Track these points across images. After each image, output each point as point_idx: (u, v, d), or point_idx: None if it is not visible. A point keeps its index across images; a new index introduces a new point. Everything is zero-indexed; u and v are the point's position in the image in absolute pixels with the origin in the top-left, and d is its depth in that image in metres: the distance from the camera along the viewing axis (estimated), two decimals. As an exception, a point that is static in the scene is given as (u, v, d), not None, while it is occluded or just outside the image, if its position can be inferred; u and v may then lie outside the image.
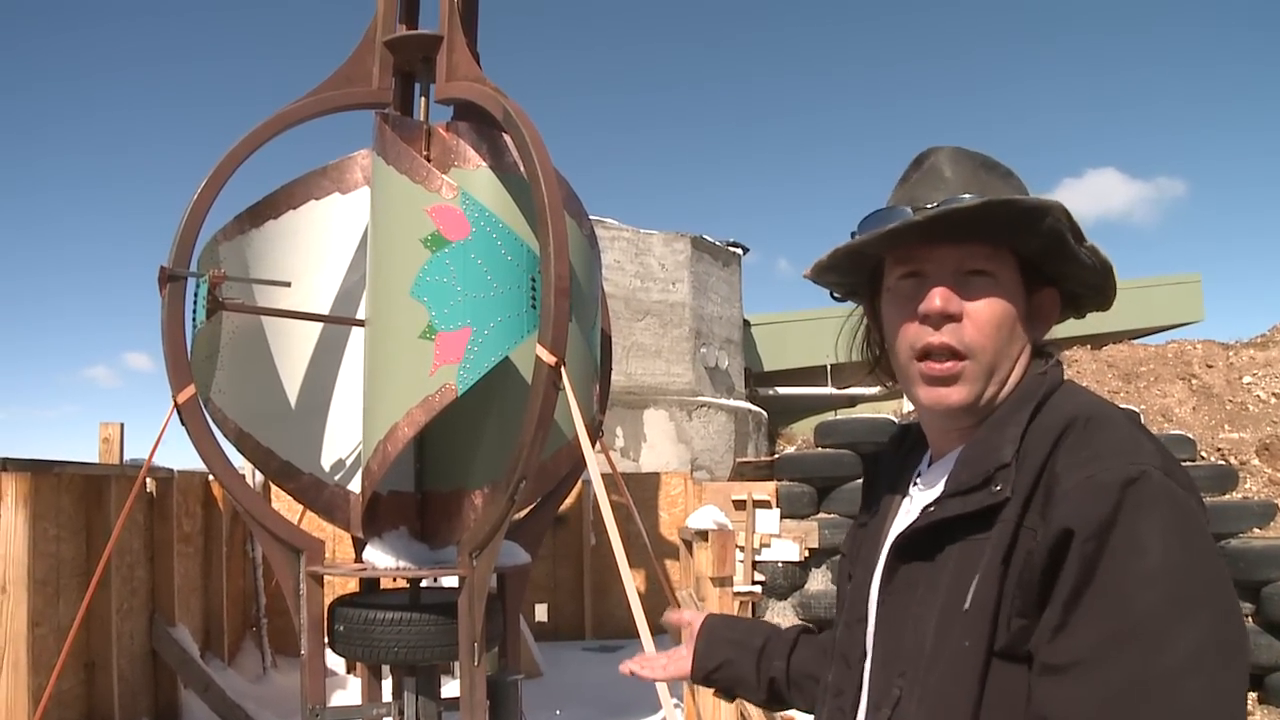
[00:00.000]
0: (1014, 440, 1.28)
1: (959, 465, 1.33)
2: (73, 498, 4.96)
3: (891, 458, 1.60)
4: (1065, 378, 1.39)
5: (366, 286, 4.76)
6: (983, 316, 1.33)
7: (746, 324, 14.13)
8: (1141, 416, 8.55)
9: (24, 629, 4.34)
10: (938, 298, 1.32)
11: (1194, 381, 11.90)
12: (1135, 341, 14.20)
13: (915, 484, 1.50)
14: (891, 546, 1.38)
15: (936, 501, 1.33)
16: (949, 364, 1.34)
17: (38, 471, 4.49)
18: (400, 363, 4.39)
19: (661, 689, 3.49)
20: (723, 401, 12.37)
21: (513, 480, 4.21)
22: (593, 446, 5.37)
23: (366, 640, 4.51)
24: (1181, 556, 1.12)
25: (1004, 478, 1.25)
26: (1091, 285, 1.42)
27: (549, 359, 4.07)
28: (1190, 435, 9.56)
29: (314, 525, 6.07)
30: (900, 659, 1.32)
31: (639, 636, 8.11)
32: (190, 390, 4.47)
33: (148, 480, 5.92)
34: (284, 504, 6.79)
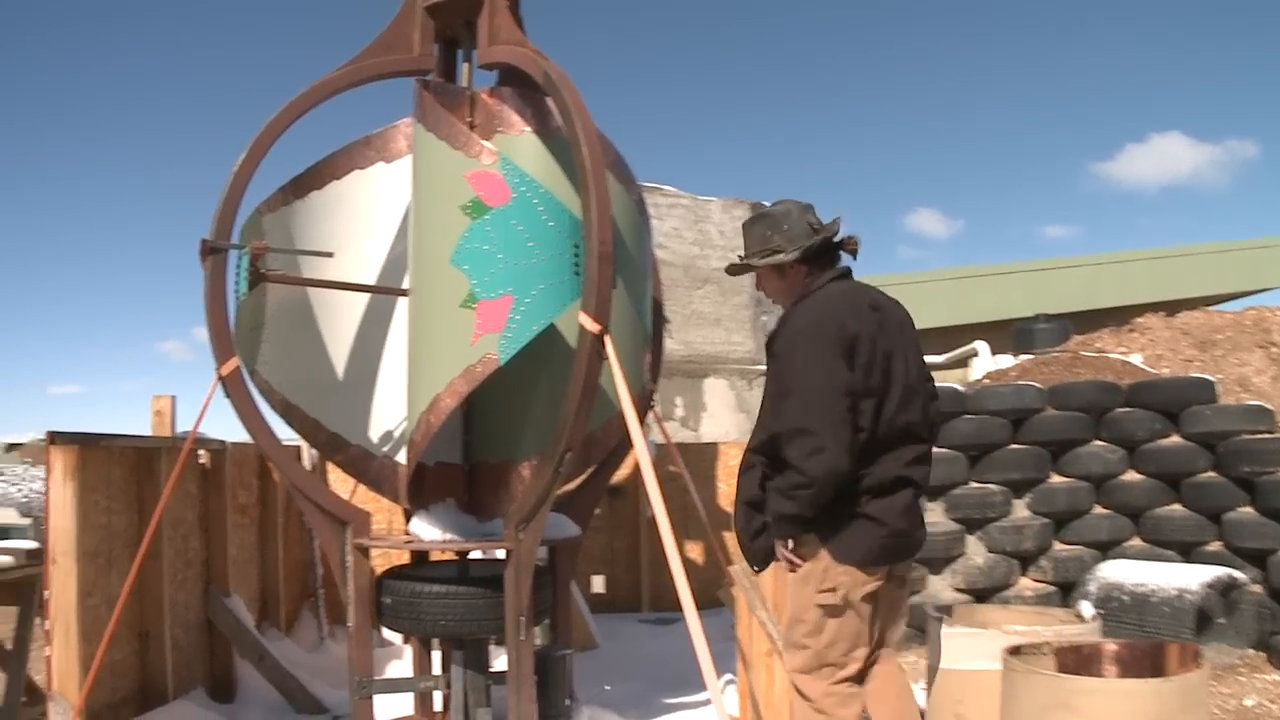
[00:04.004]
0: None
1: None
2: (124, 470, 4.97)
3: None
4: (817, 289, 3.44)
5: (409, 256, 4.69)
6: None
7: (809, 291, 13.93)
8: (1218, 386, 8.20)
9: (74, 599, 4.36)
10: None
11: (1273, 349, 11.43)
12: (1211, 308, 13.68)
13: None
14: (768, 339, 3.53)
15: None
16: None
17: (85, 444, 4.49)
18: (442, 332, 4.32)
19: (706, 667, 3.36)
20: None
21: (558, 452, 4.12)
22: (645, 417, 5.27)
23: (413, 613, 4.47)
24: (809, 358, 3.21)
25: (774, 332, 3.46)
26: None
27: (592, 327, 3.96)
28: (1268, 406, 9.16)
29: (368, 497, 6.08)
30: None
31: (696, 608, 8.01)
32: (234, 363, 4.43)
33: (200, 452, 5.93)
34: (338, 477, 6.80)
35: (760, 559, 3.52)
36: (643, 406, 5.04)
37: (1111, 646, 3.53)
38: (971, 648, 3.87)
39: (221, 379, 4.41)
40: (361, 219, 5.06)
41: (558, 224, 4.19)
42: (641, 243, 4.93)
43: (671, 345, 11.05)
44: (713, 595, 8.24)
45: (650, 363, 5.22)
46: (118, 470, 4.92)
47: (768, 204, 11.40)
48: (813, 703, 3.40)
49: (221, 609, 5.85)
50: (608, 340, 3.97)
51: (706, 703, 5.26)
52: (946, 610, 4.23)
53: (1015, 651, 3.43)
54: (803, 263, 3.45)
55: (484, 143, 4.33)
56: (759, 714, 4.21)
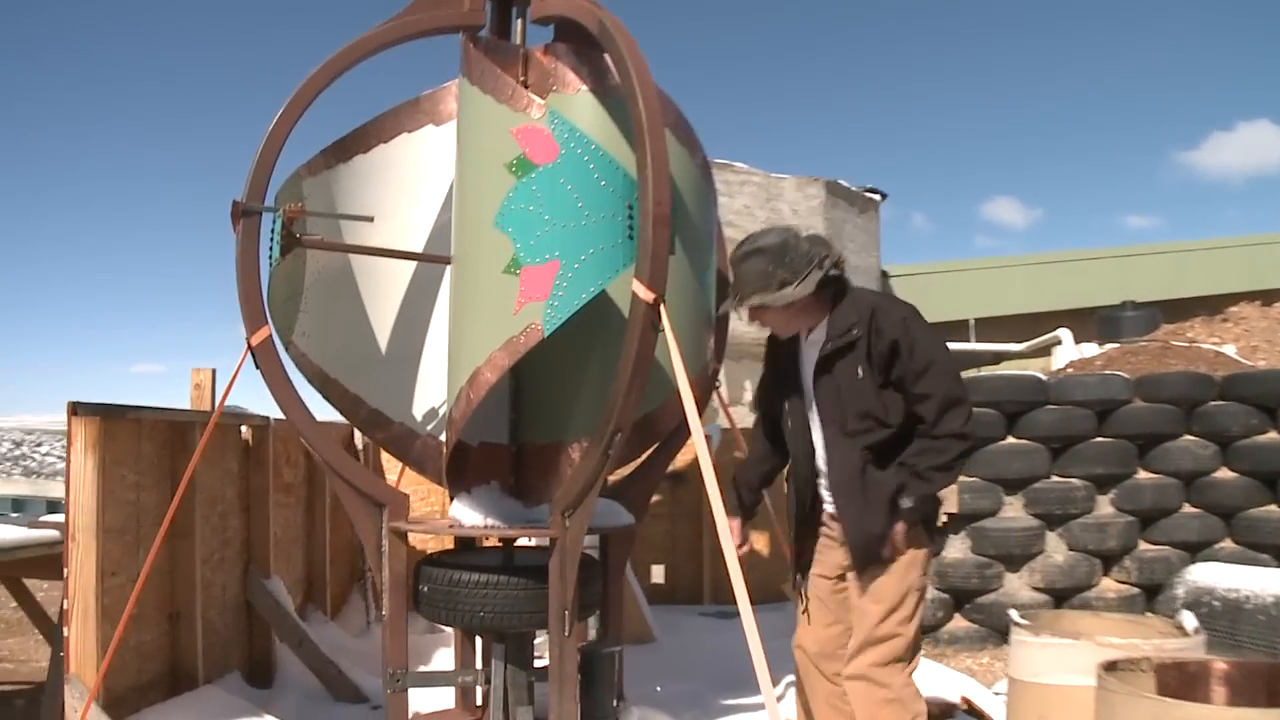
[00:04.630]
0: (851, 316, 3.46)
1: (831, 329, 3.51)
2: (156, 445, 4.74)
3: (779, 341, 3.72)
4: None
5: (453, 219, 4.38)
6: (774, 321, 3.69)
7: (885, 275, 13.39)
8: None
9: (93, 578, 4.13)
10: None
11: (1381, 340, 10.76)
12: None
13: (803, 342, 3.64)
14: (817, 364, 3.53)
15: (828, 342, 3.49)
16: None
17: (108, 416, 4.26)
18: (483, 301, 4.00)
19: (761, 669, 3.02)
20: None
21: (607, 433, 3.78)
22: (707, 399, 4.92)
23: (450, 603, 4.17)
24: (929, 332, 3.49)
25: (857, 329, 3.43)
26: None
27: (646, 295, 3.61)
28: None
29: (419, 479, 5.80)
30: (838, 404, 3.49)
31: (752, 603, 7.67)
32: (265, 332, 4.16)
33: (243, 428, 5.71)
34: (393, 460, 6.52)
35: (889, 551, 3.49)
36: (705, 387, 4.69)
37: (1220, 665, 3.09)
38: (1058, 659, 3.46)
39: (252, 349, 4.14)
40: (408, 184, 4.76)
41: (611, 183, 3.84)
42: (706, 212, 4.57)
43: (741, 327, 10.62)
44: (776, 589, 7.90)
45: (714, 341, 4.87)
46: (148, 444, 4.69)
47: (844, 183, 10.91)
48: (891, 692, 3.44)
49: (261, 591, 5.64)
50: (663, 310, 3.62)
51: (759, 707, 4.91)
52: (1030, 615, 3.81)
53: (1112, 667, 3.03)
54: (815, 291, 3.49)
55: (533, 96, 3.99)
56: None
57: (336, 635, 6.41)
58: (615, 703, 4.55)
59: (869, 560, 3.48)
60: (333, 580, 6.69)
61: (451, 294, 4.35)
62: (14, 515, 9.94)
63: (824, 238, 3.67)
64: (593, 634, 4.82)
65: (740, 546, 3.88)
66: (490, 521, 4.31)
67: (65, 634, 4.17)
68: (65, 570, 4.12)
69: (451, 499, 4.45)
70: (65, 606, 4.16)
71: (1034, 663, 3.56)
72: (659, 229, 3.59)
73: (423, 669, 6.09)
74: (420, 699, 5.30)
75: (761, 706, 4.90)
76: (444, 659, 6.12)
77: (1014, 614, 3.84)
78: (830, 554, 3.71)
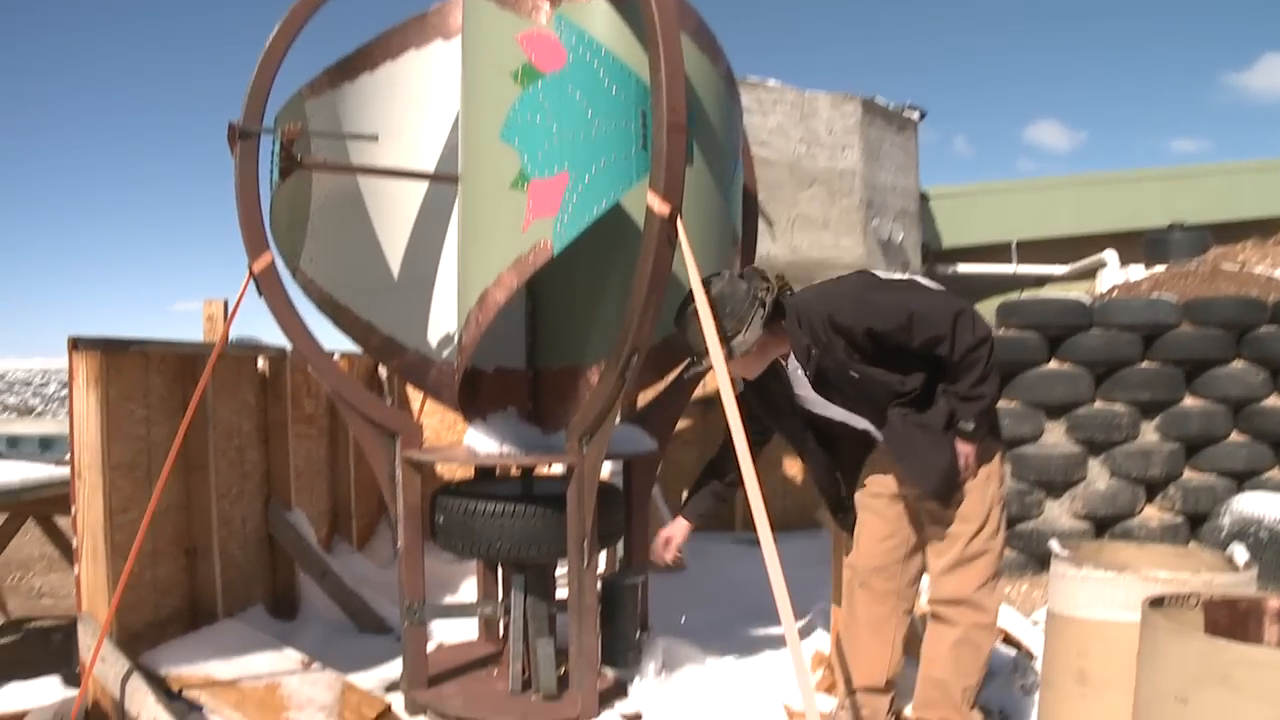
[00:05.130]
0: (803, 338, 3.34)
1: (798, 356, 3.42)
2: (166, 378, 4.62)
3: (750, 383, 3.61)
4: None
5: (459, 135, 4.18)
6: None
7: (924, 197, 12.99)
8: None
9: (100, 515, 4.04)
10: None
11: None
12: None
13: (787, 366, 3.55)
14: (813, 381, 3.44)
15: (806, 366, 3.39)
16: None
17: (109, 351, 4.12)
18: (490, 218, 3.81)
19: (782, 601, 2.86)
20: (898, 277, 11.31)
21: (623, 355, 3.60)
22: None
23: (466, 533, 4.04)
24: (877, 300, 3.34)
25: (814, 347, 3.33)
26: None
27: (661, 208, 3.40)
28: None
29: (438, 408, 5.68)
30: (863, 402, 3.41)
31: (788, 529, 7.51)
32: (267, 258, 4.00)
33: (259, 360, 5.59)
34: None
35: (965, 475, 3.42)
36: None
37: (1275, 603, 2.84)
38: (1100, 593, 3.23)
39: (254, 276, 3.98)
40: (418, 102, 4.54)
41: (622, 90, 3.61)
42: (730, 124, 4.33)
43: (775, 249, 10.40)
44: (809, 516, 7.75)
45: (740, 261, 4.66)
46: (158, 378, 4.57)
47: (881, 101, 10.52)
48: (989, 616, 3.47)
49: (282, 523, 5.55)
50: (679, 224, 3.41)
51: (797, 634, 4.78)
52: (1072, 545, 3.60)
53: (1158, 603, 2.83)
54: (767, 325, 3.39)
55: (540, 0, 3.75)
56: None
57: (363, 566, 6.34)
58: (639, 634, 4.43)
59: (950, 491, 3.40)
60: (359, 512, 6.60)
61: (459, 213, 4.16)
62: (44, 454, 9.97)
63: (756, 269, 3.52)
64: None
65: (672, 554, 4.05)
66: (506, 449, 4.17)
67: (76, 572, 4.09)
68: (73, 508, 4.03)
69: (468, 426, 4.31)
70: (75, 545, 4.08)
71: (1074, 596, 3.34)
72: (674, 136, 3.36)
73: (450, 600, 6.03)
74: (446, 629, 5.23)
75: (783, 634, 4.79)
76: (472, 590, 6.03)
77: (1055, 544, 3.62)
78: (885, 474, 3.57)
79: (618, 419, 4.03)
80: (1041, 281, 13.17)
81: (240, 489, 5.27)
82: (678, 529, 4.06)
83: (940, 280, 12.53)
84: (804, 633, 4.83)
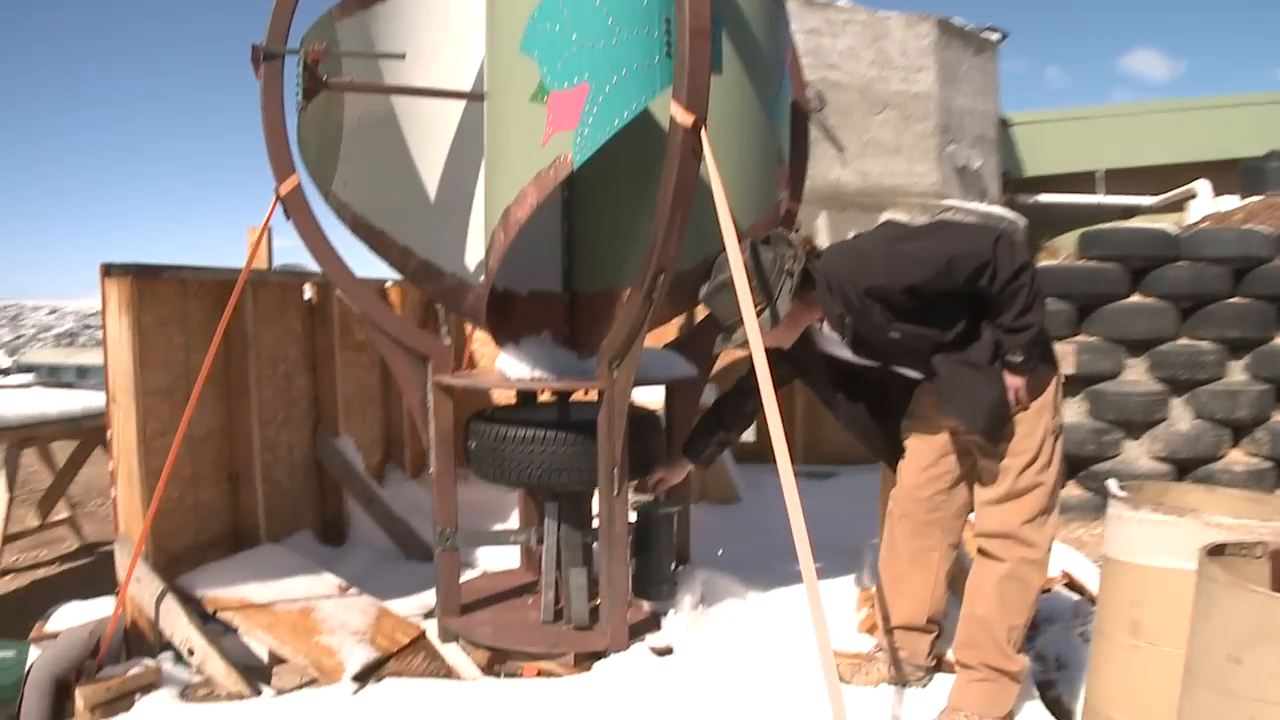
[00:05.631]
0: (835, 306, 3.14)
1: (831, 324, 3.25)
2: (204, 304, 4.59)
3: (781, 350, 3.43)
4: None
5: (485, 50, 4.02)
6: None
7: (1004, 123, 12.46)
8: None
9: (134, 440, 4.05)
10: None
11: None
12: None
13: (820, 331, 3.39)
14: (851, 346, 3.27)
15: (843, 334, 3.22)
16: None
17: (141, 276, 4.11)
18: (513, 133, 3.65)
19: (801, 541, 2.71)
20: (974, 206, 10.82)
21: (649, 275, 3.44)
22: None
23: (497, 460, 3.95)
24: (911, 254, 3.04)
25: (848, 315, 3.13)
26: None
27: (684, 118, 3.20)
28: None
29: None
30: (910, 358, 3.25)
31: (848, 463, 7.31)
32: (294, 180, 3.90)
33: (305, 287, 5.54)
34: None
35: (1016, 408, 3.21)
36: (772, 226, 4.29)
37: (1352, 558, 2.61)
38: (1157, 538, 2.98)
39: (280, 199, 3.89)
40: (453, 21, 4.37)
41: (645, -6, 3.40)
42: (774, 34, 4.08)
43: (846, 176, 10.08)
44: (865, 452, 7.55)
45: (789, 177, 4.45)
46: (195, 304, 4.53)
47: (958, 21, 9.98)
48: (1037, 552, 3.26)
49: (330, 450, 5.54)
50: (704, 135, 3.21)
51: (842, 573, 4.63)
52: (1132, 486, 3.35)
53: (1217, 551, 2.60)
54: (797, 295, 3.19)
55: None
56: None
57: (416, 494, 6.31)
58: (675, 566, 4.32)
59: (1001, 428, 3.19)
60: (413, 439, 6.57)
61: (486, 130, 4.01)
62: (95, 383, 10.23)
63: (780, 233, 3.27)
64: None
65: (661, 479, 4.15)
66: (538, 374, 4.05)
67: (113, 494, 4.10)
68: (109, 433, 4.04)
69: (500, 350, 4.21)
70: (111, 468, 4.09)
71: (1130, 540, 3.10)
72: (696, 43, 3.15)
73: (498, 527, 5.98)
74: (491, 557, 5.18)
75: (839, 573, 4.63)
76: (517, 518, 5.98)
77: (1112, 484, 3.37)
78: (932, 403, 3.36)
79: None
80: (1129, 213, 12.60)
81: (287, 415, 5.26)
82: (676, 471, 4.02)
83: (1021, 210, 12.15)
84: (853, 569, 4.67)
